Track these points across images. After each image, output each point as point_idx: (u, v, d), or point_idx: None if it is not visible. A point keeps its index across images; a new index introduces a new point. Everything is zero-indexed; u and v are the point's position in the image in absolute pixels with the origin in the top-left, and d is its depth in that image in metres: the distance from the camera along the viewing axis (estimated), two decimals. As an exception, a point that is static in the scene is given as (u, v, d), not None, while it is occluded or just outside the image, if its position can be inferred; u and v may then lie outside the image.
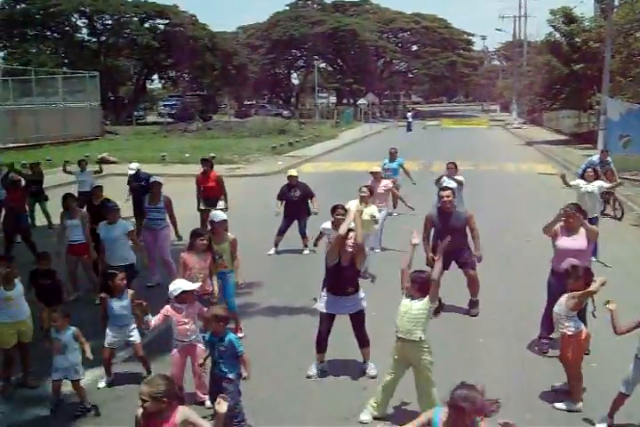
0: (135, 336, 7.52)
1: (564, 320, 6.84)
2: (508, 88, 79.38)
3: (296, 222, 13.33)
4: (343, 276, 7.45)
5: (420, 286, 6.32)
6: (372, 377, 7.53)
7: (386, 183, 13.51)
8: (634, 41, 29.78)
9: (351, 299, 7.54)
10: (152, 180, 12.08)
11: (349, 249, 7.31)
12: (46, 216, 15.48)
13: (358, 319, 7.63)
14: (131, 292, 7.57)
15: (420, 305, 6.32)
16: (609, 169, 16.19)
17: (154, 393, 4.49)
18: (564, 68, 37.15)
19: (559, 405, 6.87)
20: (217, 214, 8.83)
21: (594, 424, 6.50)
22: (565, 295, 6.88)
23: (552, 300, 7.69)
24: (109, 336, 7.46)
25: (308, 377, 7.62)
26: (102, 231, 9.73)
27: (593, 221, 12.52)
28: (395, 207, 15.71)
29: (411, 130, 51.58)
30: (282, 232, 13.32)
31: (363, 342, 7.70)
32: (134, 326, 7.51)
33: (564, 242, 8.11)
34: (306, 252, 13.14)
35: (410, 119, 53.04)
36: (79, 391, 6.92)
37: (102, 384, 7.47)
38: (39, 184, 15.75)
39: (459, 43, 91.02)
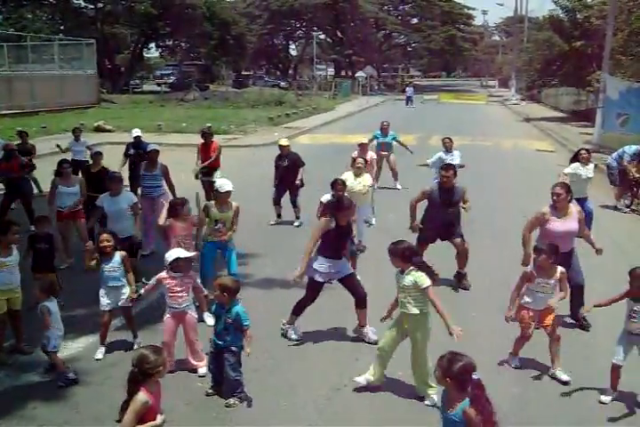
0: (125, 300, 7.54)
1: (555, 294, 6.99)
2: (507, 64, 79.04)
3: (288, 192, 13.39)
4: (342, 237, 7.76)
5: (395, 257, 6.39)
6: (370, 343, 7.61)
7: (370, 155, 13.65)
8: (636, 19, 29.50)
9: (343, 262, 7.82)
10: (150, 147, 12.02)
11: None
12: (35, 183, 15.32)
13: (351, 281, 7.83)
14: (122, 253, 7.59)
15: (407, 278, 6.36)
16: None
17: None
18: (564, 45, 36.90)
19: (566, 377, 6.92)
20: (223, 184, 8.82)
21: (597, 396, 6.59)
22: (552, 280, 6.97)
23: None
24: (103, 299, 7.47)
25: (296, 342, 7.80)
26: (106, 203, 9.49)
27: (582, 201, 12.60)
28: (377, 180, 15.84)
29: (409, 104, 51.26)
30: (277, 202, 13.40)
31: (360, 301, 7.78)
32: (127, 290, 7.55)
33: (556, 225, 8.07)
34: (296, 223, 13.18)
35: (409, 94, 52.68)
36: (55, 363, 6.88)
37: (100, 355, 7.43)
38: (28, 154, 15.45)
39: (459, 17, 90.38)
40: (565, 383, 6.85)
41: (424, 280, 6.31)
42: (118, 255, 7.51)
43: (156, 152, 11.75)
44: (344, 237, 7.84)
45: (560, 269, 7.00)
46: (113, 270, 7.44)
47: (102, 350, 7.48)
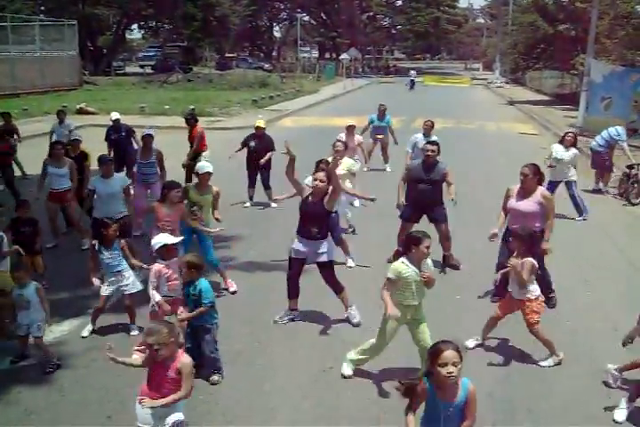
0: (129, 286, 7.46)
1: (528, 286, 6.88)
2: (491, 47, 79.02)
3: (260, 174, 13.38)
4: (309, 213, 7.52)
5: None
6: (356, 325, 7.68)
7: (357, 138, 13.65)
8: (621, 2, 29.55)
9: (317, 244, 7.58)
10: (144, 132, 11.89)
11: (318, 184, 7.41)
12: (19, 166, 15.18)
13: (326, 269, 7.72)
14: (122, 242, 7.52)
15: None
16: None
17: (163, 340, 4.71)
18: (548, 28, 36.91)
19: (545, 363, 6.95)
20: (202, 166, 8.84)
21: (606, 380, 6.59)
22: (521, 263, 6.84)
23: (503, 257, 8.04)
24: (105, 285, 7.41)
25: (275, 322, 7.81)
26: (99, 186, 9.45)
27: (569, 185, 12.72)
28: (366, 162, 15.83)
29: (413, 88, 50.21)
30: (252, 184, 13.37)
31: (336, 289, 7.81)
32: (131, 275, 7.49)
33: (517, 204, 8.18)
34: (274, 205, 13.16)
35: (413, 77, 51.75)
36: (42, 348, 6.83)
37: (86, 333, 7.46)
38: (11, 135, 15.31)
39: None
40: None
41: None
42: (117, 242, 7.46)
43: (150, 137, 11.65)
44: (314, 217, 7.51)
45: (527, 259, 6.85)
46: (115, 257, 7.38)
47: (89, 328, 7.50)
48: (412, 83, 50.90)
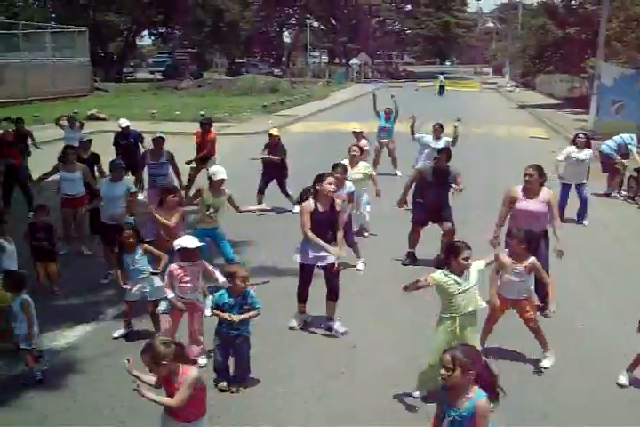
0: (153, 292, 7.39)
1: (529, 285, 6.93)
2: (501, 51, 78.92)
3: (277, 183, 13.38)
4: (320, 222, 7.48)
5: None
6: (344, 333, 7.63)
7: (364, 143, 13.68)
8: (631, 4, 29.43)
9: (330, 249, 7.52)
10: (156, 135, 12.01)
11: (327, 193, 7.44)
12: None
13: (331, 272, 7.63)
14: (143, 245, 7.48)
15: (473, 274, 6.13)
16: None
17: (155, 358, 4.49)
18: (558, 32, 36.82)
19: (548, 364, 6.93)
20: (216, 172, 8.76)
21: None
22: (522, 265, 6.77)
23: None
24: (129, 290, 7.38)
25: (291, 328, 7.80)
26: (103, 188, 9.42)
27: (579, 187, 12.66)
28: (375, 167, 15.88)
29: (443, 93, 49.07)
30: (261, 190, 13.31)
31: (333, 294, 7.72)
32: (158, 281, 7.38)
33: (522, 204, 8.11)
34: (296, 210, 13.12)
35: (442, 82, 50.64)
36: (25, 360, 6.60)
37: (117, 334, 7.49)
38: (24, 139, 15.45)
39: (453, 3, 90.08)
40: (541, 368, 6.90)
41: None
42: (140, 248, 7.41)
43: (162, 140, 11.80)
44: (325, 223, 7.51)
45: (532, 258, 6.81)
46: (136, 263, 7.35)
47: (121, 331, 7.52)
48: (442, 88, 49.68)
